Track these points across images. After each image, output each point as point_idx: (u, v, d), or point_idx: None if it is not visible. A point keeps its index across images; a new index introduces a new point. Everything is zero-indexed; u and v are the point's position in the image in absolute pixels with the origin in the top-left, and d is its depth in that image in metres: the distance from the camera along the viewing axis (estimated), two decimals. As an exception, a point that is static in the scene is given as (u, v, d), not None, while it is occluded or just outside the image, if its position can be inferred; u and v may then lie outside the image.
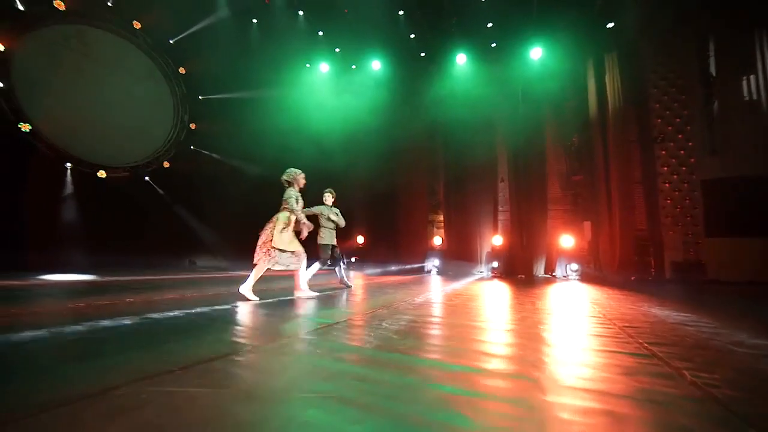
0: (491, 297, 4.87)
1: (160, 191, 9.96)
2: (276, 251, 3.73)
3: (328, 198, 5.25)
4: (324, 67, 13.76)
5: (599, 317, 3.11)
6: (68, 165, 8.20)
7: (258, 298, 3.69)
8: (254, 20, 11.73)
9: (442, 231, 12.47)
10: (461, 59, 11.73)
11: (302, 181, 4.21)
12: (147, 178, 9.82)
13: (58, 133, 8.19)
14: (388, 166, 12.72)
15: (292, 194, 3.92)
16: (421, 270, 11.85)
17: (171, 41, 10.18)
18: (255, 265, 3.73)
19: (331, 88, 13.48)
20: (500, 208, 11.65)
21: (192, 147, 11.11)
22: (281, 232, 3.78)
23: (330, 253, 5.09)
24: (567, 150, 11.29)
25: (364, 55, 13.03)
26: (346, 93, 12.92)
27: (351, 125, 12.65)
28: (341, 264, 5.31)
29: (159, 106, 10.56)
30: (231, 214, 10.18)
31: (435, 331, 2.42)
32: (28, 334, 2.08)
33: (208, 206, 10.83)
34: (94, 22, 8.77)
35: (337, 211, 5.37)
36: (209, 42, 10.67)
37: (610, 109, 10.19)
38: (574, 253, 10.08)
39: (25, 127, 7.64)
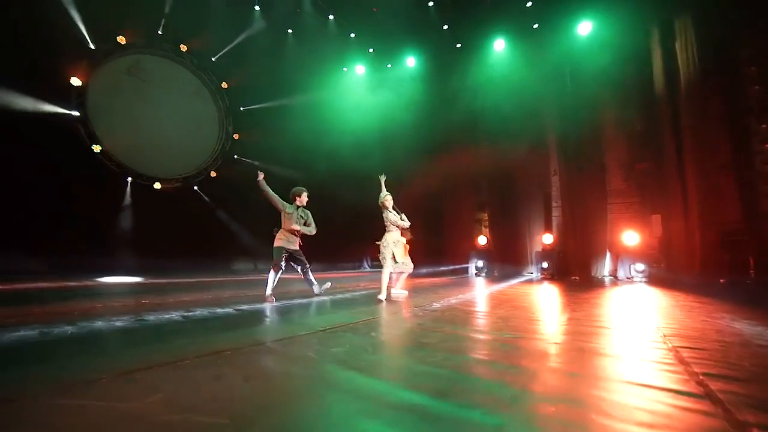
0: (528, 300, 4.41)
1: (206, 198, 10.88)
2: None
3: (303, 197, 4.65)
4: (360, 69, 13.96)
5: (652, 330, 2.52)
6: (129, 179, 9.35)
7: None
8: (289, 30, 12.28)
9: (488, 230, 11.80)
10: (499, 45, 11.01)
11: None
12: (195, 187, 10.78)
13: (122, 151, 9.36)
14: (429, 163, 12.41)
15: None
16: (464, 271, 11.34)
17: (213, 59, 11.05)
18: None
19: (369, 89, 13.59)
20: (553, 204, 10.65)
21: (235, 156, 11.96)
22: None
23: (283, 257, 4.39)
24: (629, 134, 9.95)
25: (398, 52, 12.94)
26: (384, 92, 12.93)
27: (390, 124, 12.62)
28: (307, 269, 4.67)
29: (206, 120, 11.54)
30: (272, 219, 10.74)
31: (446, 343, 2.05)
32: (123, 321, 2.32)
33: (250, 212, 11.56)
34: (149, 50, 9.87)
35: (307, 214, 4.69)
36: (248, 55, 11.38)
37: (683, 82, 8.70)
38: (640, 252, 8.85)
39: (97, 149, 8.87)
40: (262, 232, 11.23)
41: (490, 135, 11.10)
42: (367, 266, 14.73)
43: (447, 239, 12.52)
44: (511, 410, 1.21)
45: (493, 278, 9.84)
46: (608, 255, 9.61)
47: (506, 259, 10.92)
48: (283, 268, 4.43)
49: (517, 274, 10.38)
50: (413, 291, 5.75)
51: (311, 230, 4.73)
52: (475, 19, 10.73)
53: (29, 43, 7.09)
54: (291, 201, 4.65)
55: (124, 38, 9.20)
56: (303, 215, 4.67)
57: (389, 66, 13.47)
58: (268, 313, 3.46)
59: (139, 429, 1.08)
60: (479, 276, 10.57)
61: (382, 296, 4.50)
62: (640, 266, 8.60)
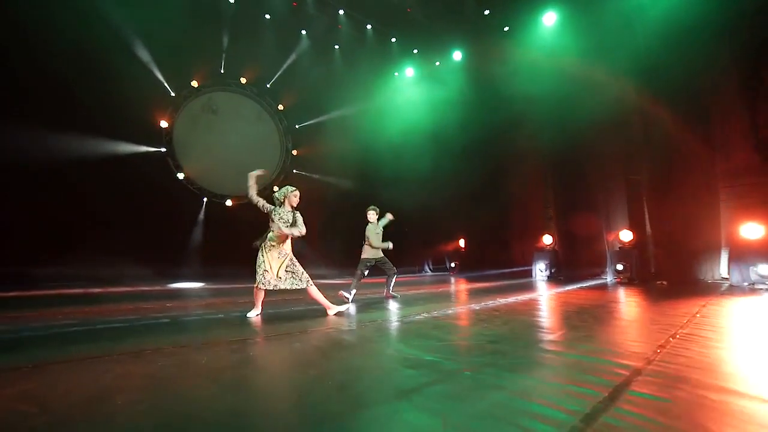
0: (582, 315, 3.85)
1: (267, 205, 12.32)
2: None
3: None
4: (409, 72, 13.95)
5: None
6: (204, 199, 11.30)
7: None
8: (336, 46, 13.05)
9: (554, 227, 10.39)
10: (550, 19, 9.66)
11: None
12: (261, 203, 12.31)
13: (200, 175, 11.36)
14: (487, 158, 11.68)
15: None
16: (528, 274, 10.21)
17: (268, 85, 12.51)
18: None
19: (420, 90, 13.51)
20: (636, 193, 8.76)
21: (295, 171, 13.24)
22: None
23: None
24: (752, 92, 7.52)
25: (443, 48, 12.56)
26: (436, 90, 12.71)
27: (444, 122, 12.31)
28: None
29: (269, 140, 13.10)
30: (331, 227, 11.58)
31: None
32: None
33: (308, 221, 12.63)
34: (216, 87, 11.77)
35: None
36: (299, 76, 12.54)
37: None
38: None
39: (181, 176, 11.01)
40: (319, 239, 12.15)
41: (553, 119, 9.76)
42: (428, 270, 14.48)
43: (508, 239, 11.45)
44: None
45: (557, 281, 8.64)
46: (715, 254, 7.41)
47: (575, 261, 9.41)
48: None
49: (587, 277, 8.83)
50: (470, 293, 5.47)
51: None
52: (517, -3, 9.67)
53: (127, 99, 9.23)
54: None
55: (196, 82, 11.20)
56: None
57: (437, 63, 13.13)
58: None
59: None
60: (543, 278, 9.38)
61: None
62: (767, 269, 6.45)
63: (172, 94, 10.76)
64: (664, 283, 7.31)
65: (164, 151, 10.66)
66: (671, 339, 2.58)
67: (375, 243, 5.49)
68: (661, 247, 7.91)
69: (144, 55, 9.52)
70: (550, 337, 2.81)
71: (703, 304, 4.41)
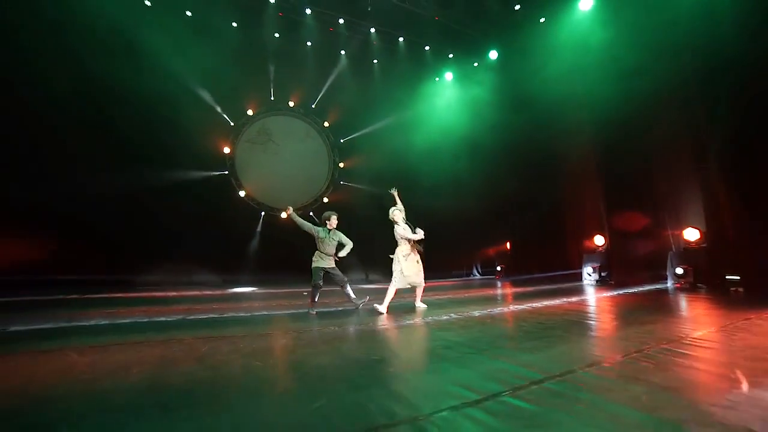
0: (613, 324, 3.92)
1: (317, 220, 13.38)
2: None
3: (333, 220, 5.34)
4: (449, 76, 13.94)
5: None
6: (262, 213, 12.78)
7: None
8: (375, 60, 13.70)
9: (606, 226, 9.58)
10: (586, 4, 9.06)
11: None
12: (311, 213, 13.45)
13: (258, 192, 12.89)
14: (531, 159, 11.22)
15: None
16: (577, 277, 9.58)
17: (313, 105, 13.69)
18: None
19: (459, 93, 13.51)
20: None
21: (341, 182, 14.19)
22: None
23: (321, 276, 5.20)
24: None
25: (479, 49, 12.42)
26: (474, 92, 12.60)
27: (487, 124, 12.17)
28: (345, 284, 5.35)
29: (317, 156, 14.25)
30: (372, 235, 12.23)
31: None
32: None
33: (356, 228, 13.39)
34: (268, 113, 13.27)
35: (338, 235, 5.39)
36: (340, 93, 13.49)
37: None
38: None
39: (242, 194, 12.63)
40: (367, 246, 12.84)
41: (600, 110, 9.03)
42: (477, 274, 14.22)
43: (556, 241, 10.78)
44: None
45: (607, 286, 8.03)
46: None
47: (630, 263, 8.55)
48: (321, 285, 5.16)
49: (642, 281, 7.97)
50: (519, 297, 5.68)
51: (347, 249, 5.32)
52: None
53: (196, 133, 11.00)
54: (322, 225, 5.35)
55: (251, 110, 12.80)
56: (334, 237, 5.30)
57: (476, 65, 12.95)
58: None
59: None
60: (591, 282, 8.74)
61: (382, 308, 4.73)
62: None
63: (232, 123, 12.45)
64: (740, 289, 6.33)
65: (226, 174, 12.37)
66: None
67: (326, 250, 5.28)
68: (737, 247, 6.83)
69: (205, 95, 11.27)
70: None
71: (747, 317, 3.88)
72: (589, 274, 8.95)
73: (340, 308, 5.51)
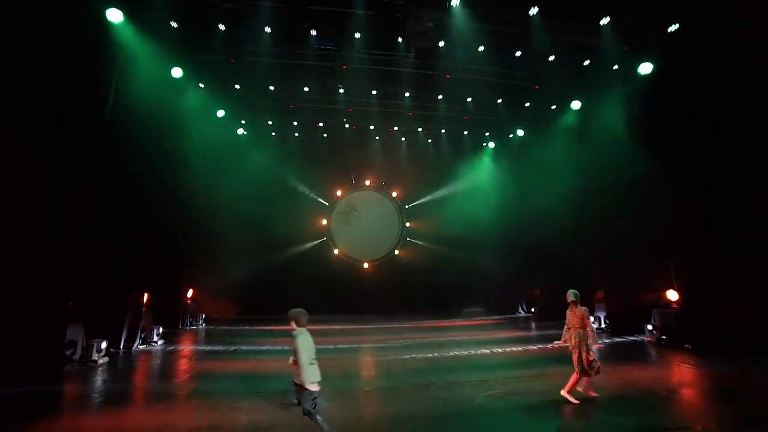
0: None
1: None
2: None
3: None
4: (520, 132, 14.59)
5: None
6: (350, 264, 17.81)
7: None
8: (443, 130, 17.33)
9: (681, 278, 8.65)
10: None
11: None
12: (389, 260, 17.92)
13: (348, 249, 18.04)
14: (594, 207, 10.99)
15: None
16: (639, 331, 9.28)
17: (383, 183, 18.46)
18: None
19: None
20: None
21: (408, 239, 18.35)
22: None
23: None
24: None
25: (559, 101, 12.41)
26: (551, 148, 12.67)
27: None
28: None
29: (390, 218, 18.81)
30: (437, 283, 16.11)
31: None
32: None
33: (422, 276, 17.21)
34: (352, 191, 18.55)
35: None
36: (406, 168, 17.84)
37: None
38: None
39: (336, 252, 17.91)
40: (432, 290, 16.43)
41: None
42: (521, 312, 16.65)
43: (618, 294, 10.49)
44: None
45: (682, 350, 7.72)
46: None
47: (719, 319, 7.42)
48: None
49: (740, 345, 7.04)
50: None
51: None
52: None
53: (302, 215, 16.83)
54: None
55: (340, 191, 18.24)
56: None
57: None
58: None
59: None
60: (651, 341, 8.76)
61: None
62: None
63: (326, 204, 18.05)
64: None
65: (324, 239, 17.89)
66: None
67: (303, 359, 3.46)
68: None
69: (302, 188, 17.29)
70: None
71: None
72: (653, 332, 8.81)
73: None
